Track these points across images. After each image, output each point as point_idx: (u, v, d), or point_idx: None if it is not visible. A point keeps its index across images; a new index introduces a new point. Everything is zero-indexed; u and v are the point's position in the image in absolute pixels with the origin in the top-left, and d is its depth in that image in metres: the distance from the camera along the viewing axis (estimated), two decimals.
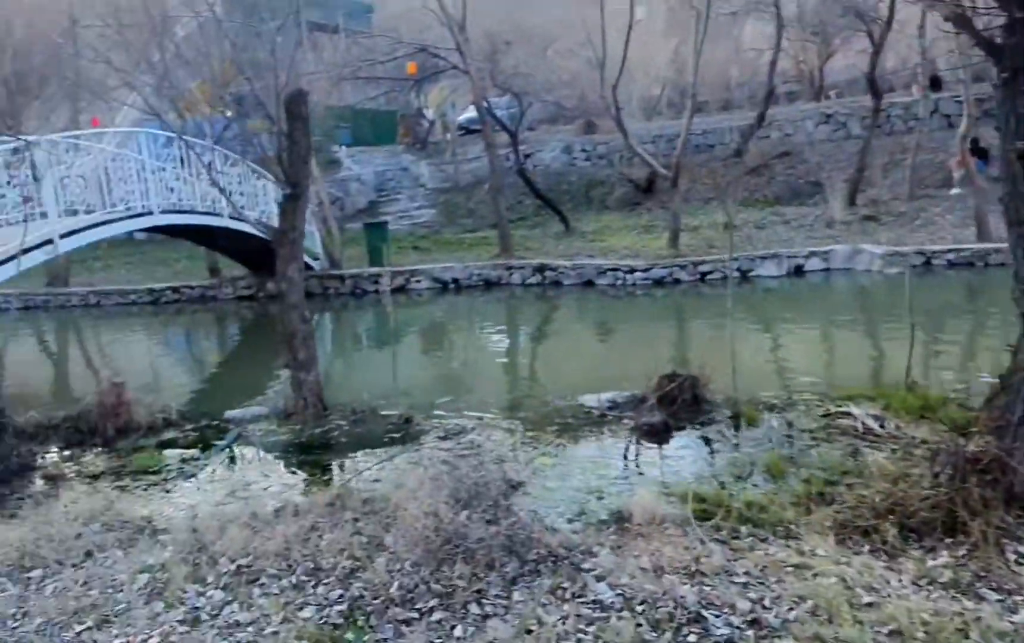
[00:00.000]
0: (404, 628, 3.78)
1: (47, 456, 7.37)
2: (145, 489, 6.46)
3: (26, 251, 10.21)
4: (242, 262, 19.36)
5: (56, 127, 21.23)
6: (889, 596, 3.74)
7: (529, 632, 3.66)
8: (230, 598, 4.20)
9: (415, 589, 4.08)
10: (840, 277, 15.77)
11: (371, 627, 3.83)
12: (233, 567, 4.52)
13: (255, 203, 17.46)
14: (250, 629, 3.90)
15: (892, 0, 17.73)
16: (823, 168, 21.98)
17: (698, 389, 7.51)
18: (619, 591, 3.97)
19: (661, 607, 3.78)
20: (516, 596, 4.00)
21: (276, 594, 4.21)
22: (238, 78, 12.57)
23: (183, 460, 7.20)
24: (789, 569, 4.09)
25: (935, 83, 22.57)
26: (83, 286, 21.14)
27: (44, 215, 11.43)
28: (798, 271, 16.20)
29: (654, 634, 3.60)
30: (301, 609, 4.04)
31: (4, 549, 4.89)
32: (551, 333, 14.47)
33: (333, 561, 4.49)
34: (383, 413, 8.18)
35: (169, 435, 7.93)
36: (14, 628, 4.05)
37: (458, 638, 3.69)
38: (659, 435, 6.92)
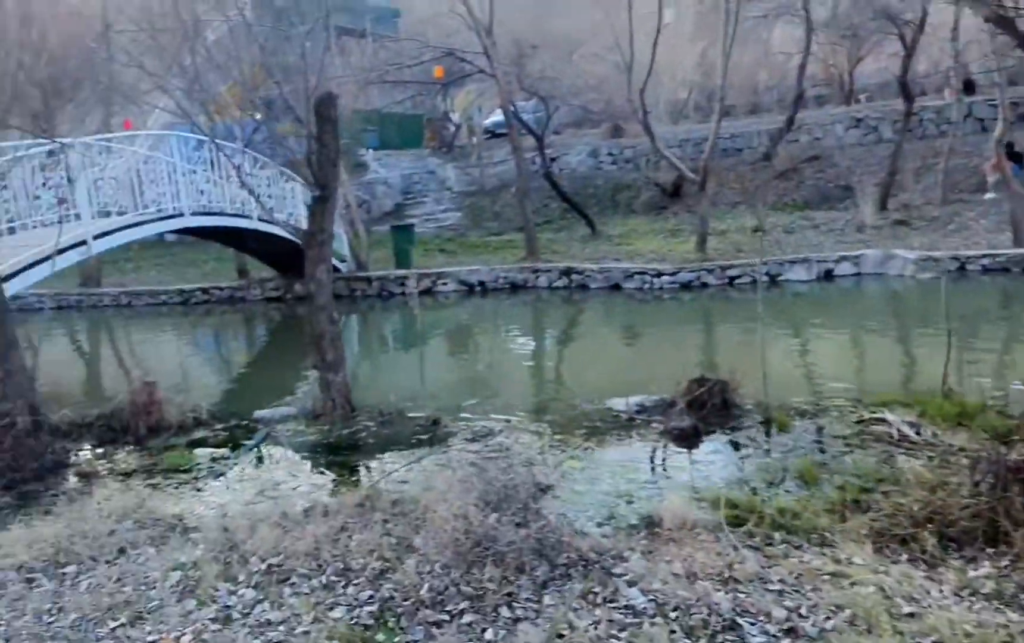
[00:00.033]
0: (435, 630, 3.76)
1: (80, 454, 7.46)
2: (176, 487, 6.51)
3: (61, 252, 10.37)
4: (270, 264, 19.53)
5: (89, 130, 21.53)
6: (930, 606, 3.66)
7: (561, 637, 3.63)
8: (261, 597, 4.21)
9: (445, 591, 4.06)
10: (871, 282, 15.54)
11: (402, 629, 3.82)
12: (264, 566, 4.53)
13: (283, 205, 17.61)
14: (281, 628, 3.91)
15: (925, 2, 17.48)
16: (853, 172, 21.69)
17: (728, 394, 7.43)
18: (651, 597, 3.93)
19: (695, 614, 3.73)
20: (547, 600, 3.97)
21: (306, 594, 4.22)
22: (267, 82, 12.68)
23: (213, 459, 7.26)
24: (825, 577, 4.02)
25: (968, 86, 22.19)
26: (115, 287, 21.44)
27: (78, 217, 11.60)
28: (828, 276, 15.99)
29: (688, 641, 3.55)
30: (331, 609, 4.04)
31: (40, 545, 4.96)
32: (578, 336, 14.42)
33: (363, 562, 4.49)
34: (410, 415, 8.19)
35: (199, 434, 8.00)
36: (49, 623, 4.09)
37: (489, 641, 3.67)
38: (688, 440, 6.85)
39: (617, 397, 8.01)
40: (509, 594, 4.02)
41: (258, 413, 8.54)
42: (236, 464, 7.12)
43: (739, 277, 16.10)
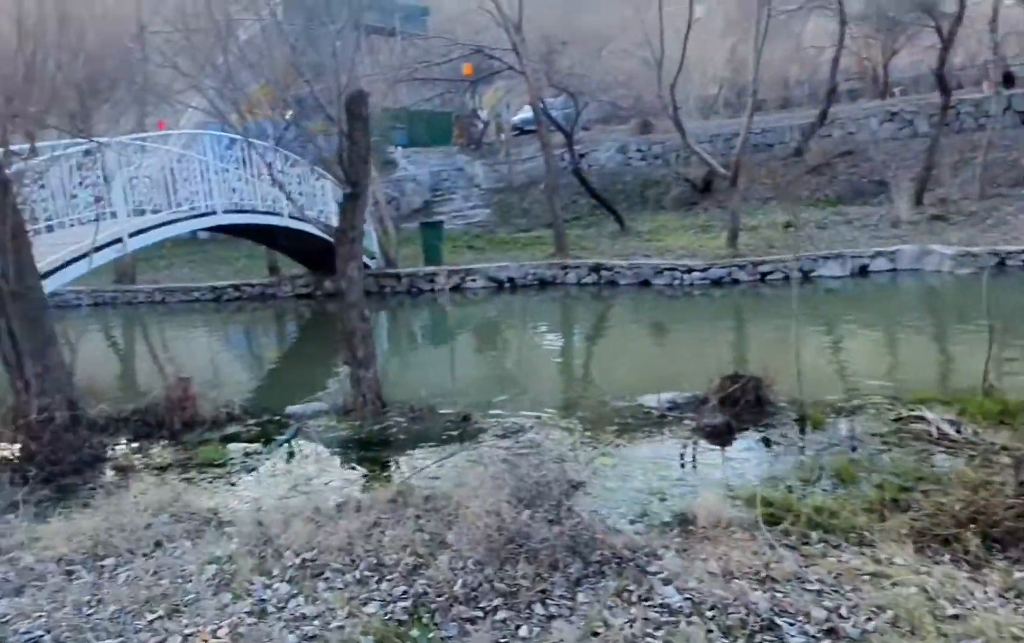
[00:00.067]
0: (469, 626, 3.75)
1: (117, 448, 7.55)
2: (210, 481, 6.58)
3: (98, 249, 10.53)
4: (301, 261, 19.69)
5: (124, 129, 21.86)
6: (974, 608, 3.57)
7: (595, 634, 3.60)
8: (296, 591, 4.23)
9: (479, 588, 4.05)
10: (907, 278, 15.27)
11: (436, 624, 3.81)
12: (298, 561, 4.55)
13: (314, 203, 17.72)
14: (316, 622, 3.92)
15: None
16: (888, 167, 21.33)
17: (761, 390, 7.33)
18: (687, 595, 3.88)
19: (732, 613, 3.68)
20: (581, 597, 3.94)
21: (340, 589, 4.23)
22: (298, 80, 12.76)
23: (246, 454, 7.32)
24: (865, 577, 3.95)
25: (1008, 79, 21.74)
26: (149, 284, 21.75)
27: (114, 215, 11.80)
28: (862, 271, 15.74)
29: (726, 641, 3.50)
30: (365, 604, 4.05)
31: (79, 537, 5.03)
32: (607, 332, 14.35)
33: (396, 557, 4.49)
34: (441, 411, 8.18)
35: (232, 429, 8.07)
36: (89, 615, 4.14)
37: (523, 638, 3.65)
38: (721, 437, 6.78)
39: (648, 394, 7.94)
40: (543, 591, 3.99)
41: (290, 408, 8.60)
42: (268, 459, 7.17)
43: (771, 273, 15.92)
